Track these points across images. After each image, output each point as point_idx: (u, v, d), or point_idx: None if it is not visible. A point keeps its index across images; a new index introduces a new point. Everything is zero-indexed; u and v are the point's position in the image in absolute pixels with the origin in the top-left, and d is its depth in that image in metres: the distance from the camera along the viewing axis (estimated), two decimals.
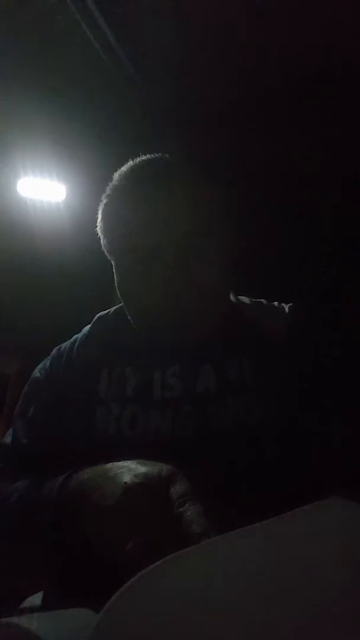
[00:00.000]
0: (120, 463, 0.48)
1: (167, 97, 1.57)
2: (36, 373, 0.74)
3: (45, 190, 2.17)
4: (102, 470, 0.48)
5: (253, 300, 0.77)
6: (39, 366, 0.75)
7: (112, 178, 0.72)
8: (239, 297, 0.77)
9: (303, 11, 1.23)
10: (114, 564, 0.41)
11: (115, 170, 0.72)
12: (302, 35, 1.31)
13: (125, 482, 0.45)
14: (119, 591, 0.28)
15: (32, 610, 0.59)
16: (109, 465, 0.49)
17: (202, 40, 1.34)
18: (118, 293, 0.70)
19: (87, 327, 0.77)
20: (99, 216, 0.72)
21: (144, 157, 0.70)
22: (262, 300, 0.77)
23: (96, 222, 0.73)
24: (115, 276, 0.70)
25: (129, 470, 0.46)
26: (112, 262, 0.72)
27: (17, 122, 1.71)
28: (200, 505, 0.41)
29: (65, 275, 2.44)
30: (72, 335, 0.78)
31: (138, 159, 0.70)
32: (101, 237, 0.72)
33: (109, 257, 0.72)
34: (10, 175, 2.08)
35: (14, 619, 0.39)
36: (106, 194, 0.71)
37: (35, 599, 0.63)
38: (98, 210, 0.72)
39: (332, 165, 1.66)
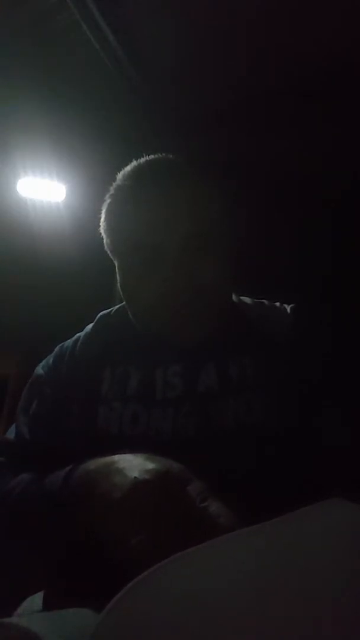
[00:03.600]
0: (127, 456, 0.48)
1: (167, 97, 1.57)
2: (39, 370, 0.74)
3: (45, 190, 2.17)
4: (109, 462, 0.48)
5: (254, 300, 0.77)
6: (42, 363, 0.75)
7: (112, 178, 0.72)
8: (241, 297, 0.77)
9: (303, 11, 1.23)
10: (116, 558, 0.41)
11: (115, 171, 0.72)
12: (302, 35, 1.31)
13: (135, 477, 0.44)
14: (122, 591, 0.28)
15: (32, 610, 0.59)
16: (116, 457, 0.49)
17: (203, 40, 1.34)
18: (120, 292, 0.71)
19: (90, 326, 0.77)
20: (102, 216, 0.72)
21: (147, 158, 0.70)
22: (263, 300, 0.77)
23: (97, 222, 0.73)
24: (117, 275, 0.71)
25: (137, 465, 0.46)
26: (115, 262, 0.72)
27: (17, 122, 1.71)
28: (220, 501, 0.42)
29: (65, 275, 2.44)
30: (72, 336, 0.78)
31: (141, 160, 0.70)
32: (104, 236, 0.72)
33: (111, 257, 0.73)
34: (10, 175, 2.08)
35: (14, 619, 0.39)
36: (110, 193, 0.71)
37: (36, 599, 0.63)
38: (101, 210, 0.73)
39: (333, 165, 1.66)
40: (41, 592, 0.63)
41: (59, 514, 0.49)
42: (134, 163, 0.70)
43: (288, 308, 0.75)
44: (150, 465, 0.46)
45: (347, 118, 1.53)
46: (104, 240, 0.73)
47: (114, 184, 0.71)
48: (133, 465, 0.46)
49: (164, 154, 0.71)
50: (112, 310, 0.78)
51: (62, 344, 0.76)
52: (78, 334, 0.77)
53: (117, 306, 0.77)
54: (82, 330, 0.77)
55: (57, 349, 0.76)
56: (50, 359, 0.75)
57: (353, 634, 0.25)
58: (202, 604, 0.27)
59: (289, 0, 1.20)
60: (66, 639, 0.39)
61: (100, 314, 0.78)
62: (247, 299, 0.77)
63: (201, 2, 1.22)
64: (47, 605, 0.60)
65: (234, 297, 0.75)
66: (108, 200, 0.71)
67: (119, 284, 0.70)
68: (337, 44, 1.32)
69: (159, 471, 0.45)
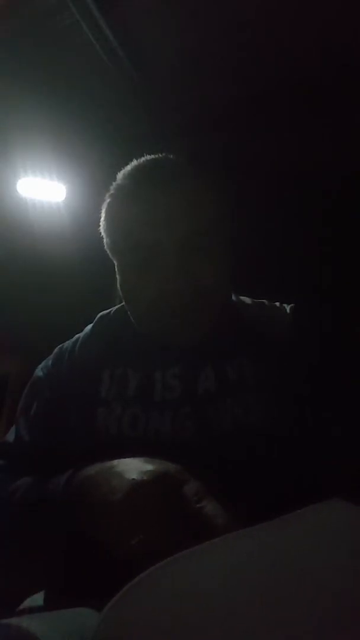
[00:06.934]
0: (127, 460, 0.49)
1: (167, 97, 1.57)
2: (38, 372, 0.74)
3: (45, 190, 2.16)
4: (108, 466, 0.49)
5: (254, 300, 0.77)
6: (41, 365, 0.76)
7: (112, 178, 0.72)
8: (240, 297, 0.77)
9: (303, 11, 1.23)
10: (116, 559, 0.42)
11: (115, 170, 0.72)
12: (302, 36, 1.31)
13: (133, 479, 0.45)
14: (123, 590, 0.28)
15: (33, 610, 0.59)
16: (115, 461, 0.49)
17: (203, 40, 1.34)
18: (119, 292, 0.71)
19: (89, 327, 0.77)
20: (102, 215, 0.72)
21: (147, 157, 0.70)
22: (263, 300, 0.77)
23: (97, 222, 0.74)
24: (117, 275, 0.71)
25: (136, 467, 0.47)
26: (115, 262, 0.72)
27: (17, 122, 1.71)
28: (217, 501, 0.42)
29: (65, 275, 2.44)
30: (72, 336, 0.78)
31: (142, 159, 0.70)
32: (104, 236, 0.73)
33: (111, 257, 0.73)
34: (10, 175, 2.08)
35: (14, 620, 0.39)
36: (109, 193, 0.71)
37: (37, 599, 0.63)
38: (101, 209, 0.73)
39: (333, 165, 1.66)
40: (42, 592, 0.63)
41: (60, 518, 0.50)
42: (134, 162, 0.70)
43: (288, 308, 0.75)
44: (148, 467, 0.46)
45: (346, 118, 1.53)
46: (104, 240, 0.73)
47: (114, 183, 0.71)
48: (131, 468, 0.47)
49: (164, 154, 0.71)
50: (111, 311, 0.78)
51: (62, 345, 0.77)
52: (77, 335, 0.77)
53: (117, 306, 0.77)
54: (81, 331, 0.77)
55: (56, 350, 0.76)
56: (49, 360, 0.75)
57: (353, 635, 0.25)
58: (202, 604, 0.27)
59: (289, 0, 1.20)
60: (66, 638, 0.39)
61: (100, 314, 0.78)
62: (246, 299, 0.77)
63: (201, 2, 1.22)
64: (48, 605, 0.60)
65: (233, 297, 0.75)
66: (108, 200, 0.72)
67: (118, 284, 0.70)
68: (337, 44, 1.32)
69: (156, 472, 0.46)
